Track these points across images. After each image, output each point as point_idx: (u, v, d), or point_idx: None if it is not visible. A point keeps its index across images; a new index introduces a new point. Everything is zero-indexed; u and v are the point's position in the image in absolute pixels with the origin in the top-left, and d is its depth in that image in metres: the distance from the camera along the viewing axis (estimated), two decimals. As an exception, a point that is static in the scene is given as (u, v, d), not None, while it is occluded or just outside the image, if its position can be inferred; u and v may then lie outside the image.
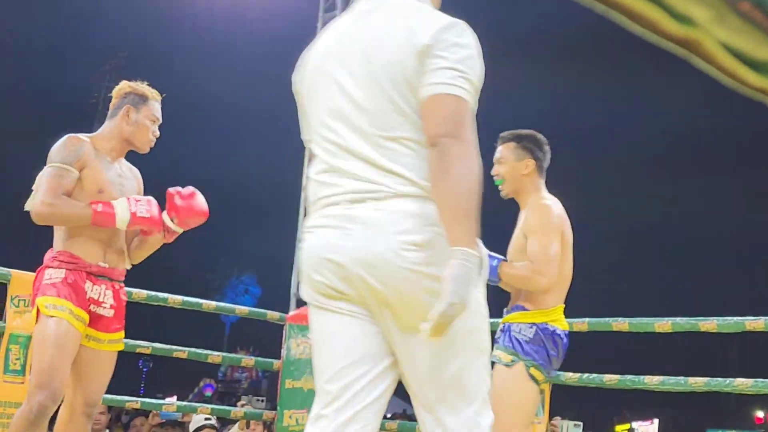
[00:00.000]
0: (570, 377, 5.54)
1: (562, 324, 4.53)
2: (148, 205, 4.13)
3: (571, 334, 5.57)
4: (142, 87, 4.34)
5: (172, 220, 4.22)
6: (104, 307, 4.20)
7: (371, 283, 2.43)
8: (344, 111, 2.51)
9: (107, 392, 5.71)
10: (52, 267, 4.17)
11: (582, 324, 5.49)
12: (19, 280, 5.17)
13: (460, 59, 2.42)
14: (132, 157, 4.41)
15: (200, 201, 4.27)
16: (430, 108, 2.39)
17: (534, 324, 4.36)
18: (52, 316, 4.07)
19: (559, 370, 5.53)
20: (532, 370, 4.29)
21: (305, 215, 2.86)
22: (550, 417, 5.62)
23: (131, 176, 4.34)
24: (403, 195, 2.43)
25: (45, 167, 4.10)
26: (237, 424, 7.16)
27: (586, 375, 5.49)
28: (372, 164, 2.46)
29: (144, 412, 8.51)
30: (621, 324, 5.33)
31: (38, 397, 3.97)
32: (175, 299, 6.01)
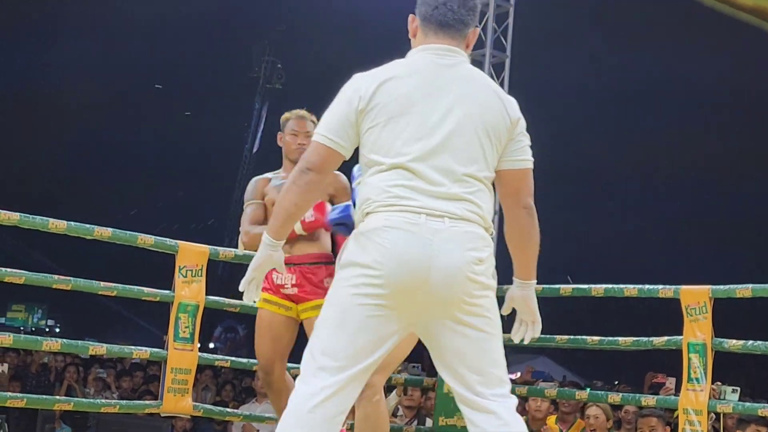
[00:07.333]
0: (734, 344, 5.41)
1: None
2: (314, 210, 4.77)
3: (734, 301, 5.46)
4: (284, 115, 5.21)
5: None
6: (286, 288, 4.86)
7: (435, 283, 2.95)
8: (432, 142, 3.02)
9: (292, 360, 5.89)
10: None
11: (746, 290, 5.35)
12: (186, 251, 5.37)
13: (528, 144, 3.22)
14: None
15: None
16: (523, 177, 3.17)
17: None
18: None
19: (721, 337, 5.41)
20: None
21: (366, 211, 3.10)
22: (713, 383, 5.49)
23: None
24: (471, 220, 3.03)
25: None
26: (395, 391, 7.21)
27: (750, 342, 5.35)
28: (449, 191, 3.01)
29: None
30: (787, 289, 5.18)
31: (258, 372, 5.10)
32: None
